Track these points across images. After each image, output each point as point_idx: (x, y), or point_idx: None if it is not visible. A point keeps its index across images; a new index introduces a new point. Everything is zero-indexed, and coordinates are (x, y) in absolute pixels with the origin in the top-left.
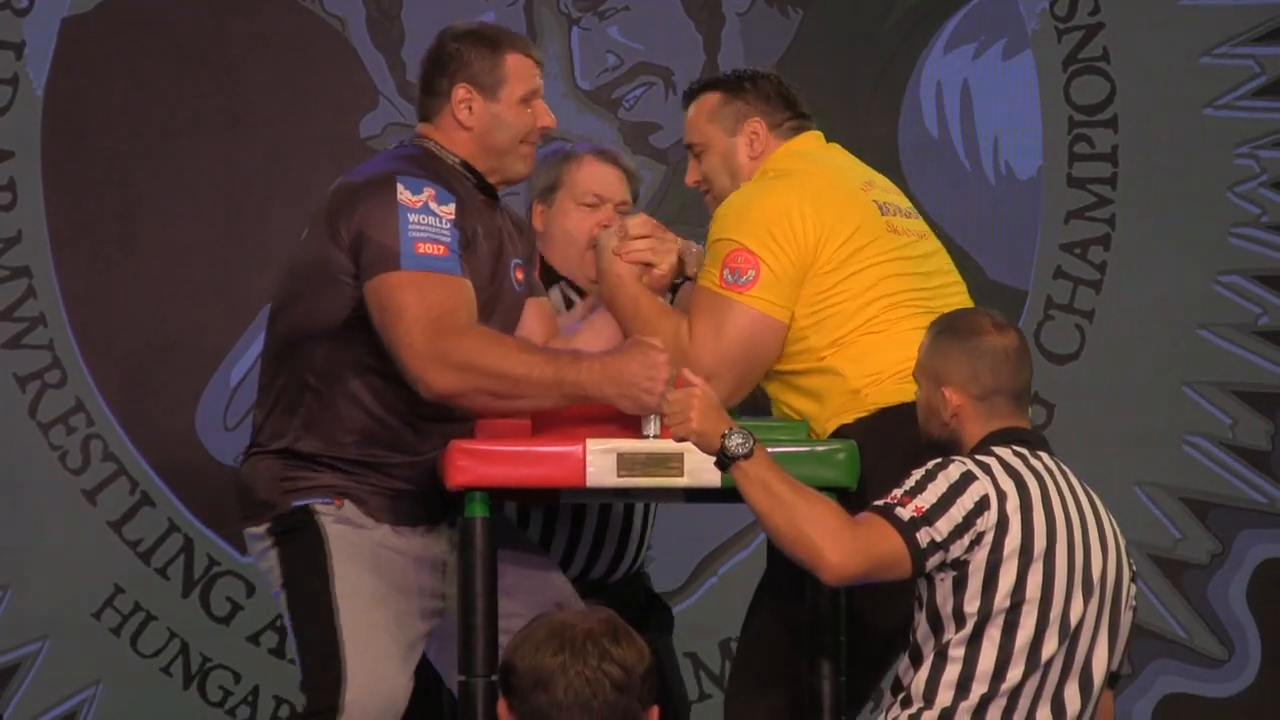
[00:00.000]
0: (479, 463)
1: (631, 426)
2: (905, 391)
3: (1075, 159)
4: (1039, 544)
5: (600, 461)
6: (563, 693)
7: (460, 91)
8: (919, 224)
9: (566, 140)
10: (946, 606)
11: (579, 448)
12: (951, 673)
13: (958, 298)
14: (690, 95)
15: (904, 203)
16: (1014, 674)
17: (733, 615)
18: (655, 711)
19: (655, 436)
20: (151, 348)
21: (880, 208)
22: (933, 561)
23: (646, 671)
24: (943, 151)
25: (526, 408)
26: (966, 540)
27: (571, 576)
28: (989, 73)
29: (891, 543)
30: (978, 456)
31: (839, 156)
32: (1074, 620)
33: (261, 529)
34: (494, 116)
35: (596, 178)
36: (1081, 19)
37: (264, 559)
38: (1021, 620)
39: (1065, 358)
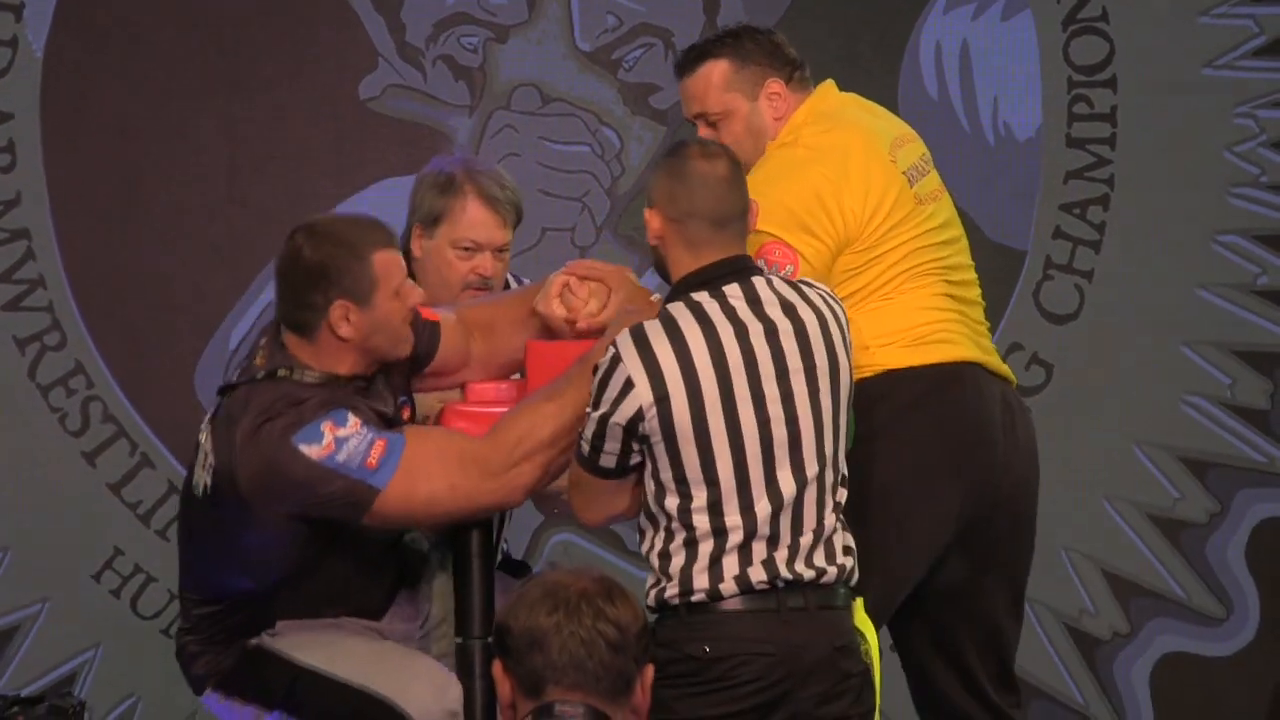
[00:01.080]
0: (474, 424)
1: None
2: (915, 355)
3: (1074, 119)
4: (709, 396)
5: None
6: (558, 653)
7: (338, 310)
8: (934, 179)
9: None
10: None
11: None
12: (677, 540)
13: (964, 256)
14: (689, 65)
15: (920, 152)
16: (730, 519)
17: None
18: (650, 670)
19: None
20: (151, 309)
21: (908, 177)
22: (633, 460)
23: (641, 630)
24: (942, 112)
25: (569, 447)
26: (627, 425)
27: None
28: (988, 33)
29: (599, 486)
30: (636, 330)
31: (863, 114)
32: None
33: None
34: (372, 323)
35: (476, 224)
36: None
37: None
38: (719, 474)
39: (1065, 317)
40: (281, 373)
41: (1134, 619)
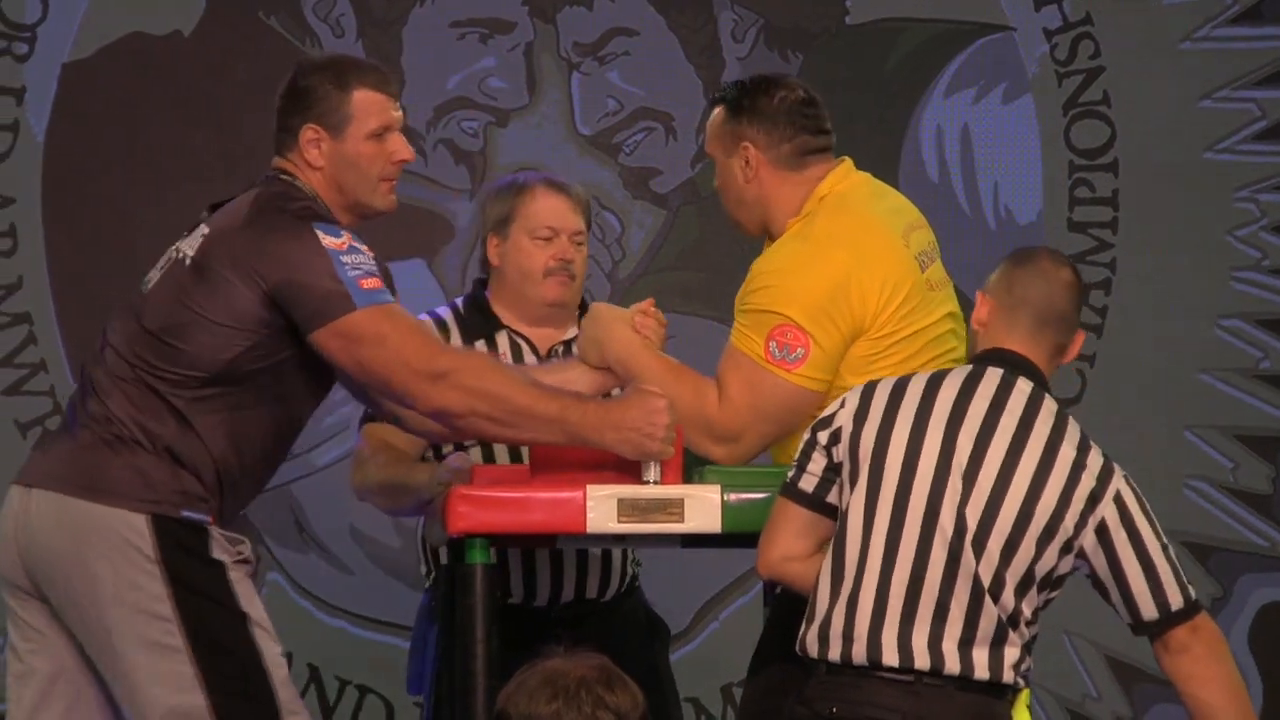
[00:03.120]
0: (479, 509)
1: (631, 472)
2: None
3: (1076, 203)
4: (898, 434)
5: (601, 507)
6: None
7: (308, 132)
8: (940, 268)
9: (515, 171)
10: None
11: (579, 493)
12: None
13: (964, 347)
14: (711, 103)
15: (929, 239)
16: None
17: (734, 659)
18: None
19: (656, 482)
20: None
21: (920, 263)
22: (832, 494)
23: (640, 718)
24: (943, 196)
25: (521, 440)
26: (826, 441)
27: (563, 600)
28: (989, 117)
29: (788, 517)
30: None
31: (877, 199)
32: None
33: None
34: (341, 156)
35: (550, 210)
36: (1082, 63)
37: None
38: (879, 507)
39: (1066, 402)
40: (285, 177)
41: (1137, 705)
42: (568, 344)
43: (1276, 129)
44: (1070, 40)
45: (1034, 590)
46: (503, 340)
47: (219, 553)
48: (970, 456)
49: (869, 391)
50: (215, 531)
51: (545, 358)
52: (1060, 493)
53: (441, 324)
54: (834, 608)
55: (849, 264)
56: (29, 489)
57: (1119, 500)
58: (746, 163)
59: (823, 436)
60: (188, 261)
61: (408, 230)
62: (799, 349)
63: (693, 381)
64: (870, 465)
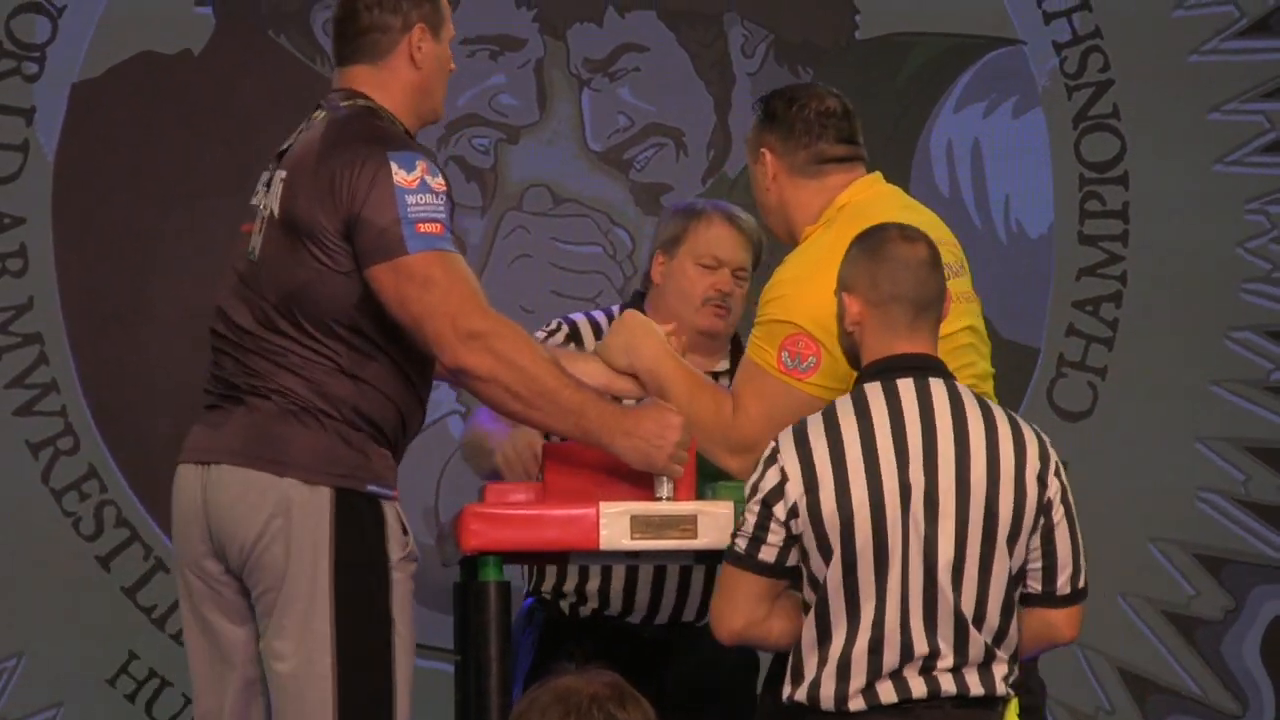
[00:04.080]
0: (492, 526)
1: (644, 488)
2: None
3: (1086, 216)
4: (859, 514)
5: (614, 524)
6: None
7: (417, 32)
8: (966, 283)
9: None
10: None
11: (592, 510)
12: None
13: (988, 364)
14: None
15: (956, 255)
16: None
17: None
18: None
19: (668, 499)
20: (164, 412)
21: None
22: (791, 557)
23: None
24: (954, 209)
25: (532, 420)
26: (782, 521)
27: (658, 620)
28: (999, 131)
29: (748, 587)
30: (798, 425)
31: (899, 211)
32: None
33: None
34: (439, 58)
35: (719, 240)
36: (1091, 76)
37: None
38: (859, 571)
39: (1078, 415)
40: (361, 101)
41: (1150, 717)
42: (715, 376)
43: None
44: (1080, 53)
45: (1014, 600)
46: None
47: (392, 545)
48: (925, 490)
49: (806, 453)
50: (392, 516)
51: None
52: (1014, 492)
53: (575, 331)
54: (823, 670)
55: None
56: (205, 466)
57: (1059, 474)
58: (763, 171)
59: (779, 511)
60: (276, 215)
61: None
62: (810, 358)
63: (712, 394)
64: (841, 534)
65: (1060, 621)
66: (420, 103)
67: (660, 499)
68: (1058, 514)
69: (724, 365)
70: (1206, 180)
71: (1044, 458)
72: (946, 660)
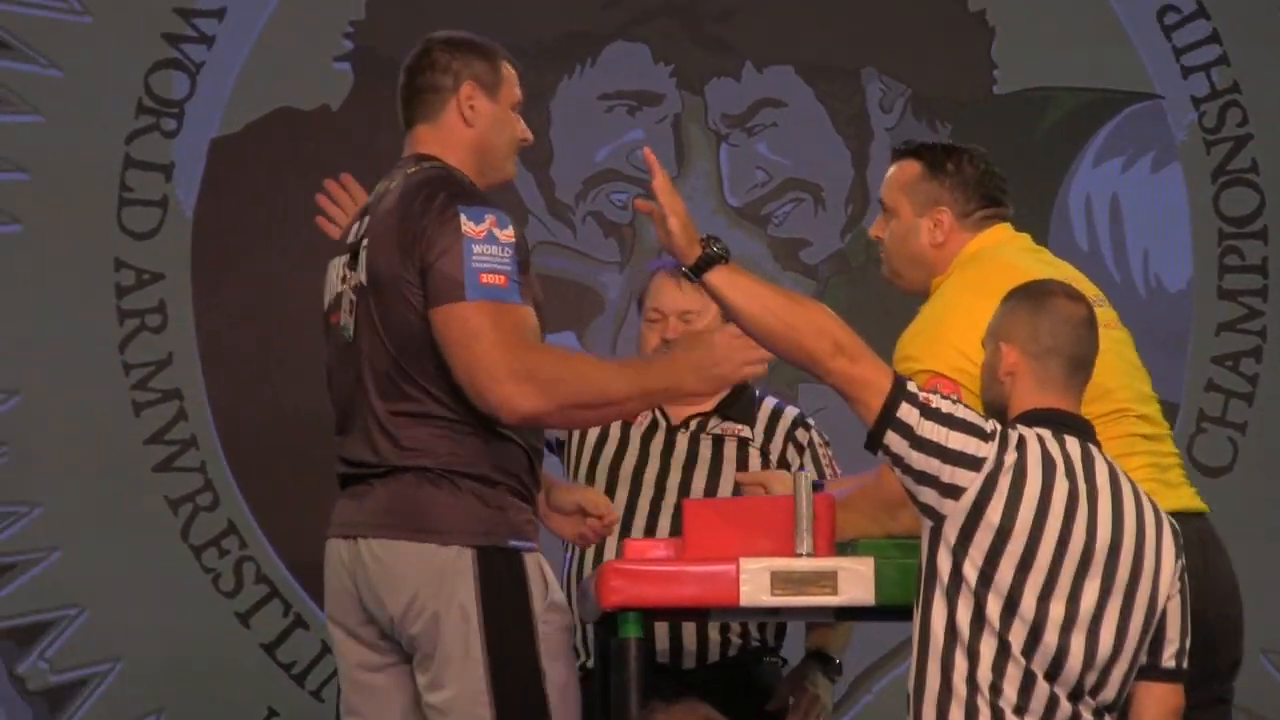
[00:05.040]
0: (632, 583)
1: (784, 544)
2: None
3: (1225, 270)
4: (1020, 525)
5: (754, 580)
6: None
7: (467, 89)
8: (1109, 312)
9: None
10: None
11: (732, 566)
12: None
13: (1145, 385)
14: (897, 153)
15: (1093, 291)
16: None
17: None
18: None
19: (809, 554)
20: (302, 468)
21: None
22: (896, 441)
23: None
24: (1093, 264)
25: (610, 418)
26: (934, 467)
27: (710, 661)
28: (1138, 185)
29: (879, 375)
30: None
31: (1024, 253)
32: (1053, 610)
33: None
34: (495, 117)
35: (658, 293)
36: (1230, 130)
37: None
38: (989, 597)
39: (1218, 470)
40: (429, 163)
41: None
42: (704, 416)
43: None
44: (1218, 108)
45: (1132, 676)
46: (644, 413)
47: (535, 598)
48: (1083, 547)
49: (1021, 458)
50: (534, 568)
51: (675, 428)
52: (1153, 574)
53: None
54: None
55: (981, 303)
56: (352, 540)
57: (1181, 557)
58: (937, 224)
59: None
60: (365, 284)
61: (559, 302)
62: (951, 394)
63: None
64: (994, 546)
65: (1163, 696)
66: (481, 161)
67: (800, 554)
68: (1174, 589)
69: (710, 405)
70: None
71: (1176, 536)
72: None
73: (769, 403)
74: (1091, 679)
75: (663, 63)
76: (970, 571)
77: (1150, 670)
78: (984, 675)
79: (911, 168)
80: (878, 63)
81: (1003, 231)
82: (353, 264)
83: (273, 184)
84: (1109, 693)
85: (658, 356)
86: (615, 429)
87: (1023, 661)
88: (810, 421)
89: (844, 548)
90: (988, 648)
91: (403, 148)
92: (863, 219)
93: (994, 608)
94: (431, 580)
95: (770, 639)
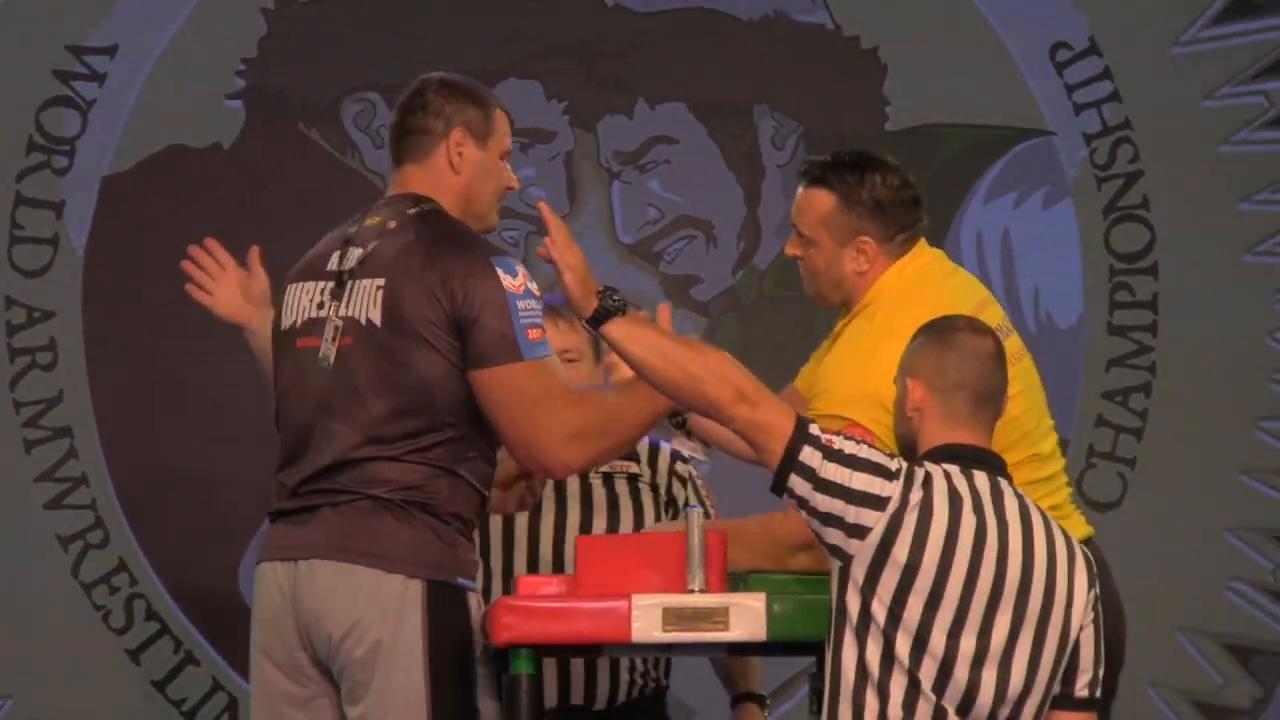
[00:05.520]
0: (524, 619)
1: (675, 580)
2: None
3: (1116, 306)
4: (928, 563)
5: (646, 616)
6: None
7: (457, 134)
8: (1017, 342)
9: None
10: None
11: (624, 603)
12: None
13: (1047, 418)
14: (808, 181)
15: (1001, 315)
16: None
17: None
18: None
19: (701, 590)
20: (194, 505)
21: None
22: (800, 484)
23: None
24: None
25: (636, 441)
26: (838, 509)
27: (571, 703)
28: (1029, 221)
29: (781, 419)
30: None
31: (940, 283)
32: (962, 647)
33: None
34: (482, 165)
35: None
36: (1121, 167)
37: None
38: (898, 635)
39: (1108, 505)
40: (427, 205)
41: (1263, 680)
42: (632, 478)
43: None
44: (1110, 144)
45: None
46: None
47: (476, 637)
48: (992, 581)
49: (927, 495)
50: (475, 608)
51: None
52: (1065, 607)
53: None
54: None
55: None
56: (293, 563)
57: (1095, 586)
58: (860, 253)
59: (865, 516)
60: (376, 323)
61: None
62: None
63: (756, 518)
64: (902, 584)
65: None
66: (466, 208)
67: (692, 591)
68: (1088, 619)
69: (636, 469)
70: (1237, 270)
71: (1089, 567)
72: None
73: (645, 439)
74: (1004, 713)
75: (555, 100)
76: (879, 610)
77: (1063, 700)
78: (894, 713)
79: (825, 200)
80: (770, 100)
81: (922, 255)
82: (338, 293)
83: (164, 221)
84: None
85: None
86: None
87: (933, 698)
88: (685, 455)
89: (736, 582)
90: (898, 686)
91: (297, 187)
92: (754, 256)
93: (903, 646)
94: (378, 607)
95: (662, 675)
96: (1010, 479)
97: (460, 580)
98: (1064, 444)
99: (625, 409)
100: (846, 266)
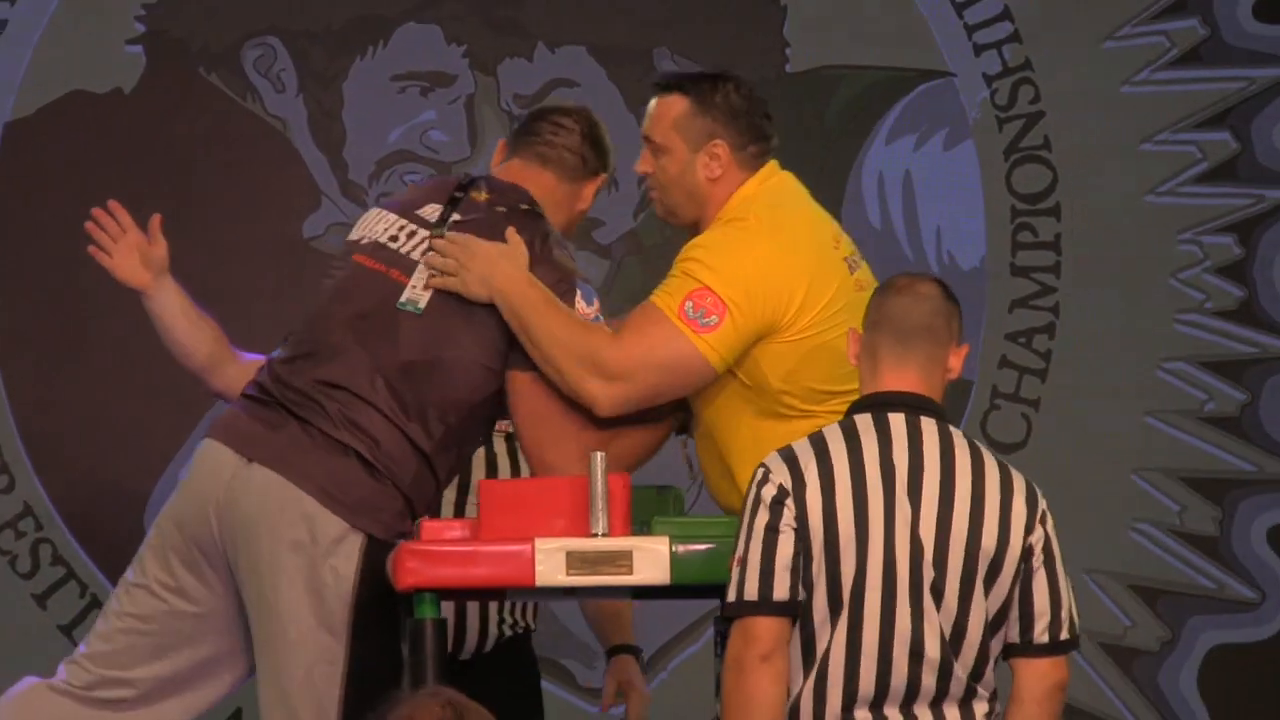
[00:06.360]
0: (428, 564)
1: (579, 524)
2: None
3: (1018, 247)
4: (843, 527)
5: (549, 560)
6: None
7: (599, 181)
8: (868, 271)
9: None
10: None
11: (527, 547)
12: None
13: None
14: (660, 89)
15: (852, 246)
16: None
17: (682, 711)
18: None
19: (604, 534)
20: (99, 450)
21: (849, 264)
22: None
23: None
24: (885, 242)
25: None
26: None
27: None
28: (930, 163)
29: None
30: (785, 448)
31: (805, 201)
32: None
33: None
34: (583, 210)
35: None
36: (1022, 108)
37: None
38: (841, 591)
39: (1012, 447)
40: (538, 210)
41: (1169, 621)
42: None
43: (1217, 171)
44: (1010, 85)
45: (991, 639)
46: None
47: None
48: (910, 520)
49: (796, 469)
50: None
51: None
52: (997, 534)
53: None
54: (804, 688)
55: (779, 253)
56: (246, 460)
57: (1044, 523)
58: (713, 158)
59: (787, 517)
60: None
61: None
62: (713, 316)
63: (582, 320)
64: (825, 549)
65: (1040, 672)
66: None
67: (595, 535)
68: (1037, 561)
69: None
70: (1139, 211)
71: (1030, 505)
72: (928, 695)
73: None
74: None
75: (454, 43)
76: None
77: (1024, 648)
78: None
79: (679, 103)
80: (670, 43)
81: (774, 173)
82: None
83: (68, 168)
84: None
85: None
86: None
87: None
88: None
89: (639, 526)
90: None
91: (199, 132)
92: None
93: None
94: (316, 540)
95: (531, 620)
96: (944, 420)
97: (397, 539)
98: (967, 385)
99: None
100: (699, 173)
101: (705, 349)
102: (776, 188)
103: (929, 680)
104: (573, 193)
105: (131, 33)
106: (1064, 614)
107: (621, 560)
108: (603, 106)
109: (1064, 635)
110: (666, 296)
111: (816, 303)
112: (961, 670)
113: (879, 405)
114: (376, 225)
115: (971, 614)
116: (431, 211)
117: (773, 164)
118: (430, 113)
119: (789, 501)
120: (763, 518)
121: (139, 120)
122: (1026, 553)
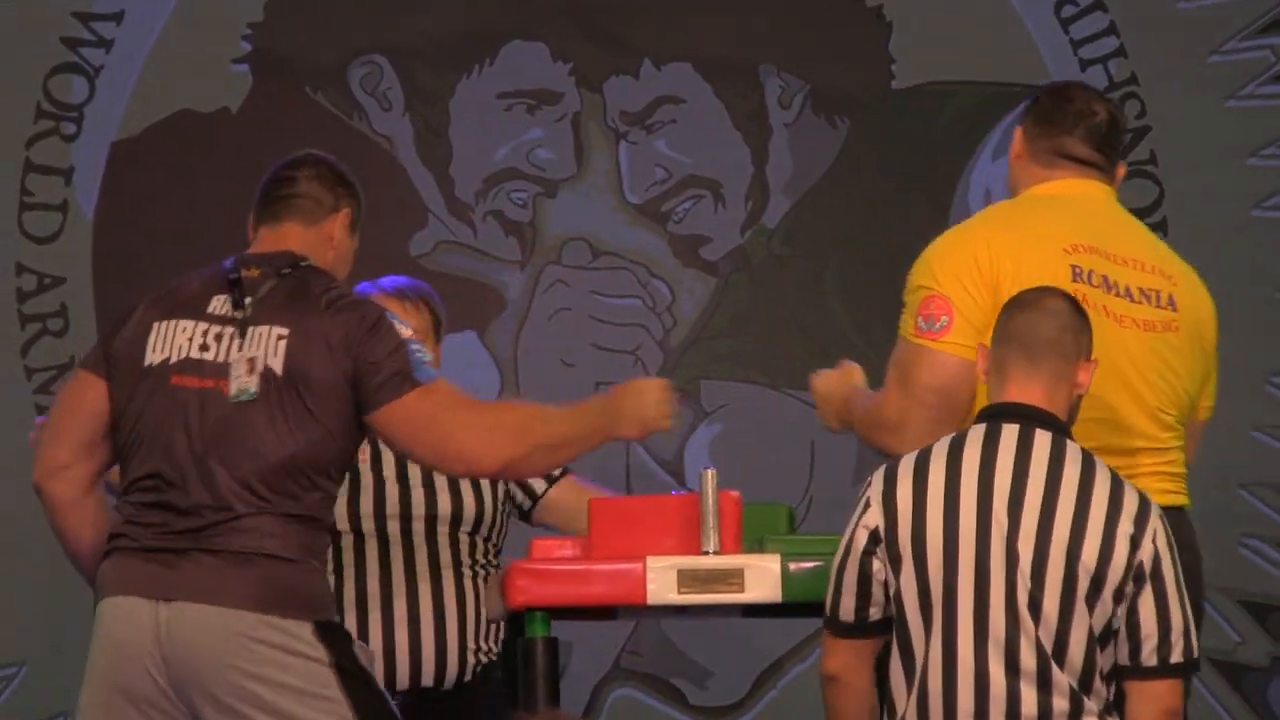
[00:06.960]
0: (538, 582)
1: (690, 541)
2: None
3: None
4: (932, 540)
5: (661, 579)
6: None
7: (343, 215)
8: (1102, 295)
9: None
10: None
11: (639, 565)
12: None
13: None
14: None
15: (1111, 266)
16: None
17: None
18: None
19: (715, 552)
20: None
21: (1075, 271)
22: (872, 613)
23: None
24: None
25: (565, 460)
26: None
27: (398, 688)
28: None
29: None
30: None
31: (1072, 203)
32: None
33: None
34: (347, 252)
35: None
36: (1129, 122)
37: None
38: (933, 605)
39: None
40: (306, 263)
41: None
42: None
43: None
44: (1117, 100)
45: (1097, 660)
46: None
47: (362, 658)
48: (1005, 533)
49: (890, 487)
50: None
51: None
52: (1099, 549)
53: None
54: (908, 709)
55: (983, 232)
56: (161, 602)
57: (1155, 541)
58: (1014, 146)
59: (860, 538)
60: (279, 372)
61: (459, 302)
62: (944, 317)
63: (869, 394)
64: (915, 566)
65: (1151, 695)
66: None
67: (707, 552)
68: (1145, 580)
69: None
70: (1246, 225)
71: (1140, 522)
72: (1029, 709)
73: None
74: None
75: (561, 61)
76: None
77: (1133, 671)
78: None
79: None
80: (776, 59)
81: (1077, 185)
82: (239, 336)
83: (173, 186)
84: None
85: (596, 400)
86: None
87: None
88: None
89: (750, 543)
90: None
91: (302, 148)
92: (762, 215)
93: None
94: (279, 646)
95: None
96: (1063, 433)
97: (336, 617)
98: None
99: (548, 417)
100: (1010, 153)
101: (953, 349)
102: (1041, 192)
103: (1029, 694)
104: (322, 234)
105: (238, 52)
106: (1175, 636)
107: (733, 578)
108: (709, 123)
109: (1175, 658)
110: (904, 323)
111: (1027, 281)
112: (1067, 681)
113: (996, 416)
114: (178, 340)
115: (1074, 628)
116: (221, 305)
117: (1087, 181)
118: (537, 130)
119: (876, 518)
120: (848, 535)
121: (245, 139)
122: (1132, 570)
